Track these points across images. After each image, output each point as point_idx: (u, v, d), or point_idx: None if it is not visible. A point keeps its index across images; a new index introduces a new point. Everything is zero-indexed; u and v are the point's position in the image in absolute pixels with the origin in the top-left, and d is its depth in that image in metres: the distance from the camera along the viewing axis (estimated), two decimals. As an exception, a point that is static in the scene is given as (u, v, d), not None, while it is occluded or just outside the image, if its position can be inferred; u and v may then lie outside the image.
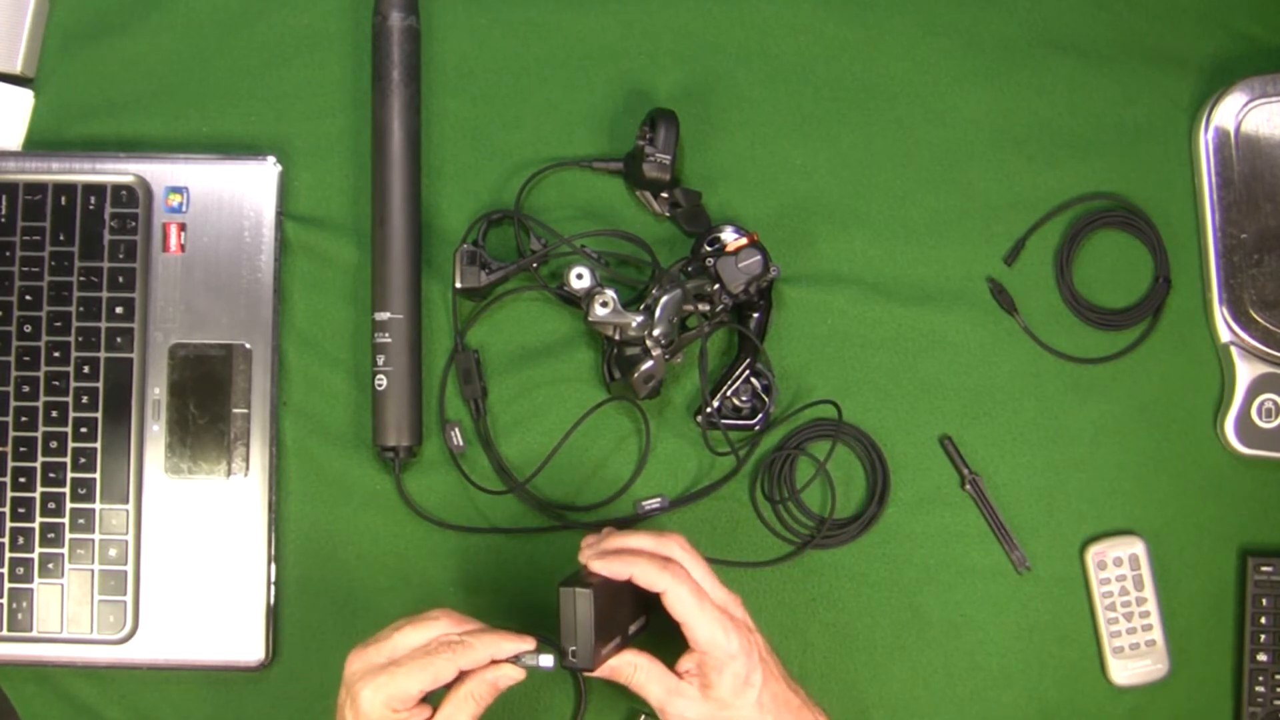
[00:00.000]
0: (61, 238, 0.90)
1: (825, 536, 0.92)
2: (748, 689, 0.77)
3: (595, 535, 0.82)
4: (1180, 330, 0.96)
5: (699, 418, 0.92)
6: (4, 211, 0.91)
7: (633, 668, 0.80)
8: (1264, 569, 0.93)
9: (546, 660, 0.76)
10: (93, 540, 0.89)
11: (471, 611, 0.90)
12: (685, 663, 0.79)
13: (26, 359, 0.90)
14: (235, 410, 0.90)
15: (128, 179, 0.91)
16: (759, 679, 0.77)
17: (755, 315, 0.92)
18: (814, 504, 0.94)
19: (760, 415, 0.92)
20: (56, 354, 0.90)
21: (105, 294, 0.90)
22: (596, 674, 0.78)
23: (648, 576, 0.77)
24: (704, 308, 0.89)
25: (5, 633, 0.88)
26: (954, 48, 0.97)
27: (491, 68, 0.96)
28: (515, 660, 0.76)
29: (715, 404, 0.91)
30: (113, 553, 0.89)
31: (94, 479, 0.89)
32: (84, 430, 0.89)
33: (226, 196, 0.92)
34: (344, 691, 0.76)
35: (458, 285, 0.90)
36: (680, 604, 0.77)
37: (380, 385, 0.90)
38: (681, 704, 0.79)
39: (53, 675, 0.90)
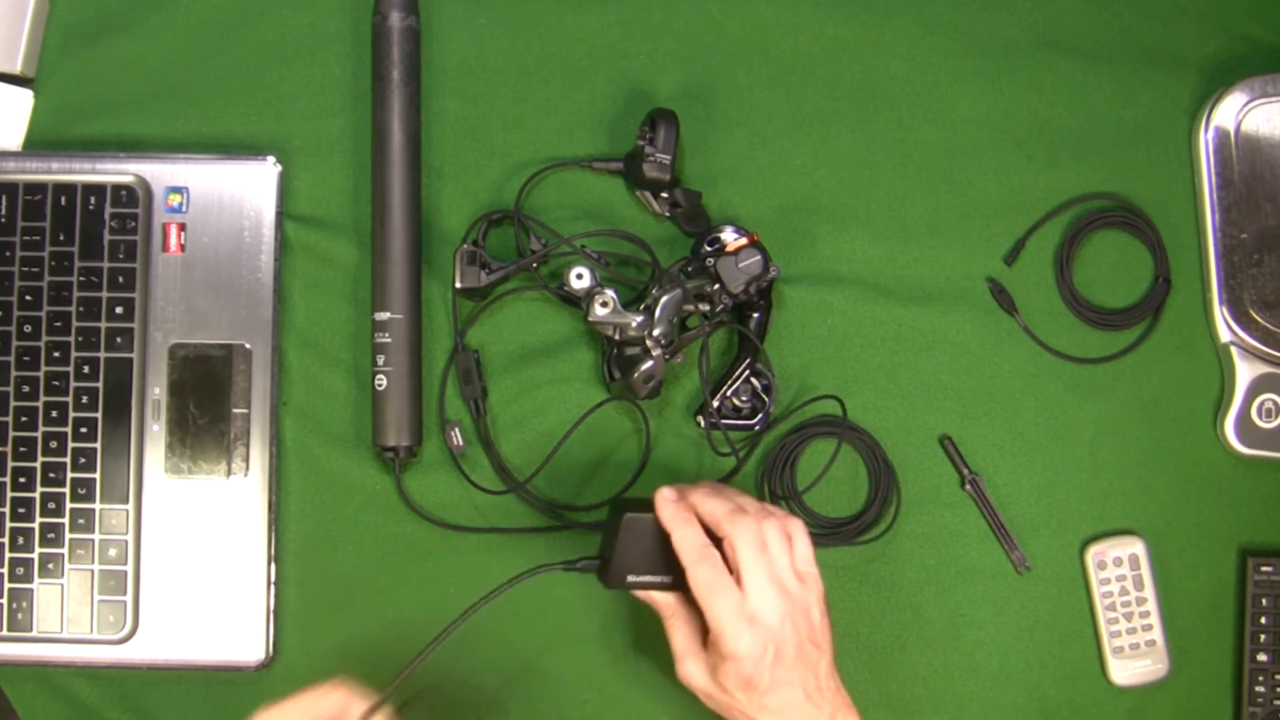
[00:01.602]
0: (61, 238, 0.91)
1: (829, 535, 0.92)
2: (750, 691, 0.77)
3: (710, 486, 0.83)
4: (1180, 330, 0.96)
5: (700, 418, 0.92)
6: (4, 211, 0.91)
7: (670, 611, 0.82)
8: (1264, 569, 0.93)
9: (590, 566, 0.82)
10: (93, 540, 0.89)
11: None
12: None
13: (26, 359, 0.90)
14: (235, 410, 0.90)
15: (128, 179, 0.91)
16: (767, 683, 0.76)
17: (755, 315, 0.92)
18: (815, 504, 0.94)
19: (760, 415, 0.92)
20: (56, 354, 0.90)
21: (105, 294, 0.90)
22: (644, 599, 0.82)
23: (680, 543, 0.78)
24: (704, 308, 0.89)
25: (5, 633, 0.88)
26: (954, 48, 0.97)
27: (491, 68, 0.96)
28: (571, 564, 0.81)
29: (715, 404, 0.91)
30: (113, 553, 0.89)
31: (94, 479, 0.89)
32: (84, 430, 0.89)
33: (226, 196, 0.92)
34: None
35: (458, 285, 0.90)
36: (697, 588, 0.77)
37: (380, 385, 0.90)
38: (692, 667, 0.79)
39: (53, 675, 0.90)
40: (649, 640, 0.91)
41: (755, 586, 0.77)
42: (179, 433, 0.90)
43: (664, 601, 0.82)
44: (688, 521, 0.79)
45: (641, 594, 0.83)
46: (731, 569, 0.78)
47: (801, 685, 0.77)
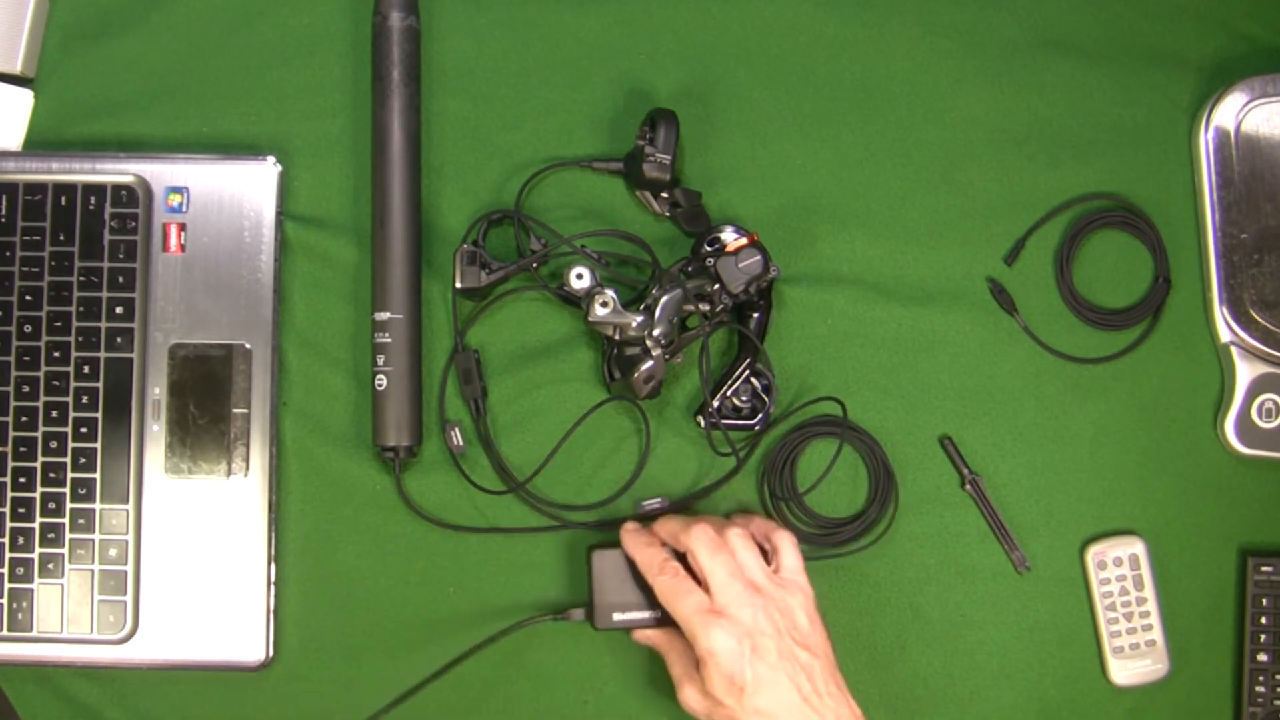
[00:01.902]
0: (61, 238, 0.90)
1: (830, 535, 0.93)
2: (736, 692, 0.77)
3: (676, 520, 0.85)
4: (1180, 330, 0.96)
5: (700, 418, 0.92)
6: (4, 211, 0.91)
7: (665, 644, 0.84)
8: (1264, 569, 0.93)
9: (577, 614, 0.87)
10: (93, 540, 0.89)
11: (471, 611, 0.91)
12: None
13: (26, 359, 0.90)
14: (235, 410, 0.90)
15: (128, 179, 0.91)
16: (751, 680, 0.76)
17: (755, 315, 0.92)
18: (815, 504, 0.94)
19: (760, 415, 0.92)
20: (56, 354, 0.90)
21: (105, 294, 0.90)
22: (641, 640, 0.86)
23: (642, 562, 0.83)
24: (704, 308, 0.89)
25: (5, 633, 0.88)
26: (954, 48, 0.97)
27: (491, 68, 0.96)
28: (560, 614, 0.87)
29: (715, 404, 0.91)
30: (113, 553, 0.89)
31: (94, 479, 0.89)
32: (84, 430, 0.89)
33: (226, 196, 0.92)
34: None
35: (458, 285, 0.90)
36: (662, 599, 0.81)
37: (380, 385, 0.90)
38: (689, 692, 0.80)
39: (53, 675, 0.90)
40: (649, 640, 0.91)
41: (719, 583, 0.78)
42: (179, 433, 0.90)
43: (657, 637, 0.84)
44: (648, 543, 0.83)
45: (637, 636, 0.86)
46: (699, 580, 0.80)
47: (794, 686, 0.77)
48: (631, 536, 0.84)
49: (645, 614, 0.85)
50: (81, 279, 0.90)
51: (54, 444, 0.89)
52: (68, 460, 0.89)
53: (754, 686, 0.76)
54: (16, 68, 0.93)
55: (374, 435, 0.91)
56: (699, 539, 0.80)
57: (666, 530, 0.83)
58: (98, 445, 0.89)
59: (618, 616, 0.85)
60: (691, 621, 0.77)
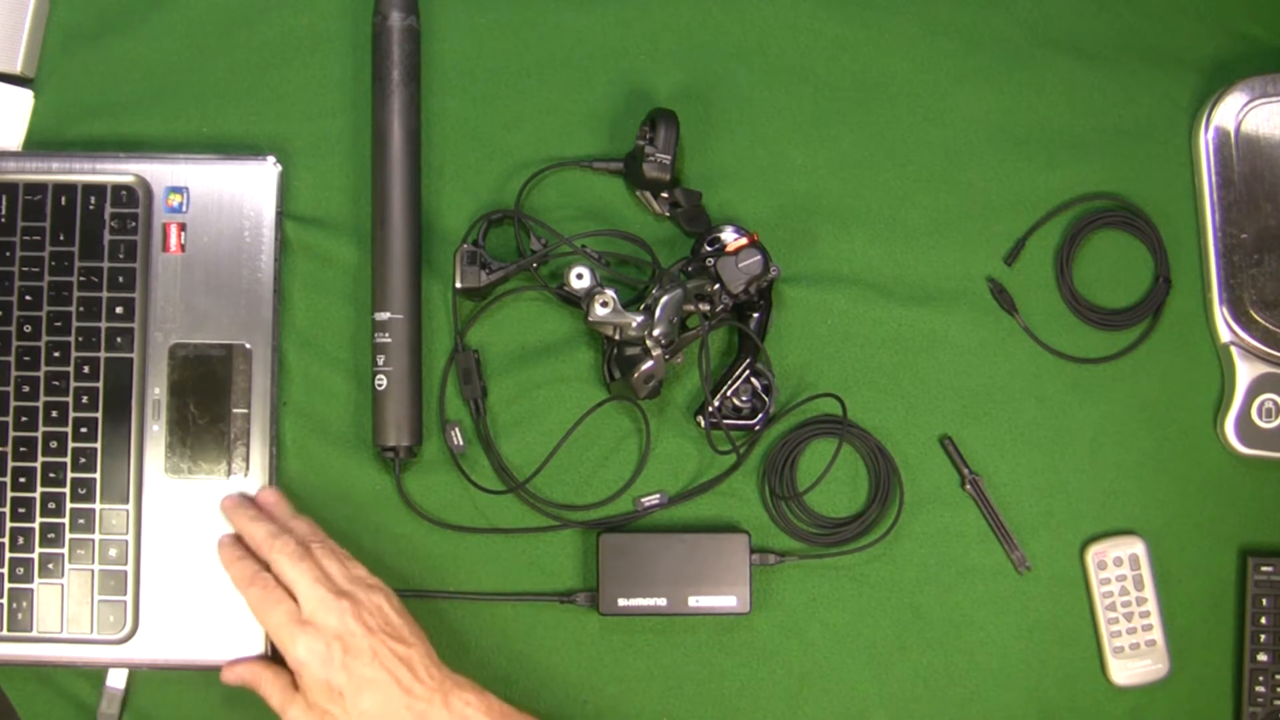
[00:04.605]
0: (61, 238, 0.90)
1: (830, 535, 0.93)
2: (336, 698, 0.78)
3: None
4: (1180, 330, 0.96)
5: (700, 417, 0.92)
6: (4, 211, 0.91)
7: (255, 675, 0.83)
8: (1264, 569, 0.93)
9: (583, 599, 0.88)
10: (93, 540, 0.89)
11: (471, 612, 0.91)
12: None
13: (26, 359, 0.90)
14: (235, 410, 0.90)
15: (128, 179, 0.91)
16: (348, 684, 0.77)
17: (755, 315, 0.92)
18: (815, 504, 0.94)
19: (760, 415, 0.92)
20: (56, 354, 0.90)
21: (105, 294, 0.90)
22: (233, 680, 0.85)
23: (234, 577, 0.83)
24: (704, 308, 0.89)
25: (5, 633, 0.88)
26: (954, 48, 0.97)
27: (491, 68, 0.96)
28: (567, 597, 0.89)
29: (715, 404, 0.91)
30: (113, 553, 0.89)
31: (94, 479, 0.89)
32: (84, 430, 0.89)
33: (226, 196, 0.92)
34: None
35: (458, 285, 0.91)
36: (253, 611, 0.81)
37: (380, 385, 0.90)
38: (294, 712, 0.80)
39: (53, 675, 0.90)
40: (647, 641, 0.91)
41: (304, 591, 0.80)
42: (179, 433, 0.90)
43: (245, 672, 0.84)
44: (240, 556, 0.84)
45: (226, 675, 0.85)
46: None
47: (394, 680, 0.78)
48: (226, 550, 0.85)
49: (651, 601, 0.85)
50: (81, 279, 0.90)
51: (54, 444, 0.89)
52: (68, 460, 0.89)
53: (354, 689, 0.77)
54: (16, 68, 0.93)
55: (374, 435, 0.91)
56: (281, 550, 0.81)
57: (252, 540, 0.84)
58: (98, 445, 0.89)
59: (623, 602, 0.86)
60: (280, 634, 0.79)
